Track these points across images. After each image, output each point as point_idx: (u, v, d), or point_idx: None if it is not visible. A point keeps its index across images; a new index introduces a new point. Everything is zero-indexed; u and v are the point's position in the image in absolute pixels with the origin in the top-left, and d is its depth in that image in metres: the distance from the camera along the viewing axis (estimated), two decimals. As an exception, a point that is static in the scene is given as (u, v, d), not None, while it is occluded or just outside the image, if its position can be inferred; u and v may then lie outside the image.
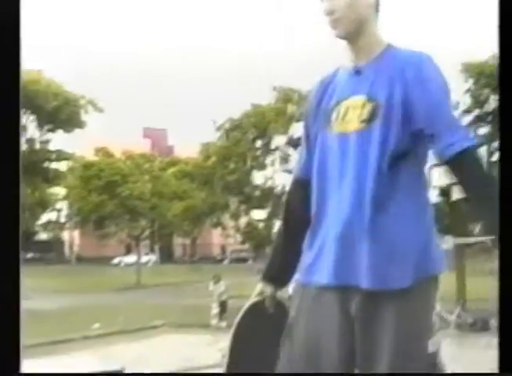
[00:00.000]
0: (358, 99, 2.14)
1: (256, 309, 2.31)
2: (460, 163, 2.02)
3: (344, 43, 2.20)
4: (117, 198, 32.81)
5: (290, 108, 30.52)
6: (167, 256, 57.56)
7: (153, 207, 33.00)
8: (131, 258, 44.96)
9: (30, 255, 55.35)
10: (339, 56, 2.27)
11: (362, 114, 2.11)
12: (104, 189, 33.04)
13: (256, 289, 2.35)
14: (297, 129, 28.17)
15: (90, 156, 36.81)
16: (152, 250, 55.45)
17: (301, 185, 2.31)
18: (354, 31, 2.15)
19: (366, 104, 2.12)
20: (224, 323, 14.40)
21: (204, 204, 32.43)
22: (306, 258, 2.21)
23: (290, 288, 2.34)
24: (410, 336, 2.04)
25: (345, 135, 2.13)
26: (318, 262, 2.15)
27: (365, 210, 2.05)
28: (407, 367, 2.03)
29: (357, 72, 2.18)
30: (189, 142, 43.60)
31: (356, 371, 2.12)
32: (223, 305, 15.88)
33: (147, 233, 37.05)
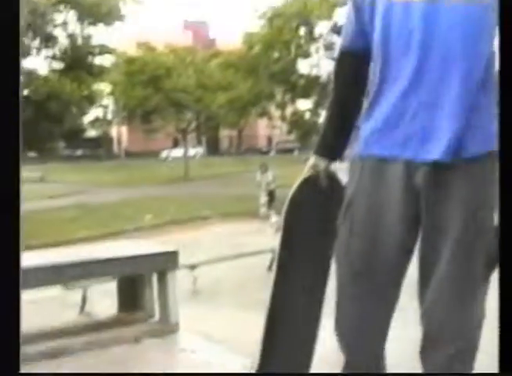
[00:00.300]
0: None
1: (309, 183, 2.24)
2: None
3: None
4: (161, 92, 32.74)
5: (334, -6, 29.55)
6: (213, 149, 57.97)
7: (198, 100, 32.86)
8: (178, 152, 45.42)
9: (79, 152, 56.47)
10: None
11: None
12: (148, 84, 32.96)
13: (309, 163, 2.27)
14: (341, 16, 27.35)
15: (132, 51, 36.54)
16: (199, 143, 55.84)
17: (351, 55, 2.19)
18: None
19: None
20: (272, 212, 14.61)
21: (249, 93, 32.13)
22: (365, 129, 2.10)
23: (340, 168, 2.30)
24: (479, 207, 1.97)
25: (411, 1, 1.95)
26: (380, 132, 2.05)
27: (444, 80, 1.94)
28: (474, 239, 1.98)
29: None
30: (231, 34, 42.86)
31: (418, 245, 2.08)
32: (271, 194, 16.06)
33: (193, 125, 37.13)
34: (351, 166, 2.16)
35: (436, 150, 1.94)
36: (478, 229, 1.98)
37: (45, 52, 48.85)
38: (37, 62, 48.00)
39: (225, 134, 58.09)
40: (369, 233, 2.08)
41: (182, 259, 3.86)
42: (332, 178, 2.27)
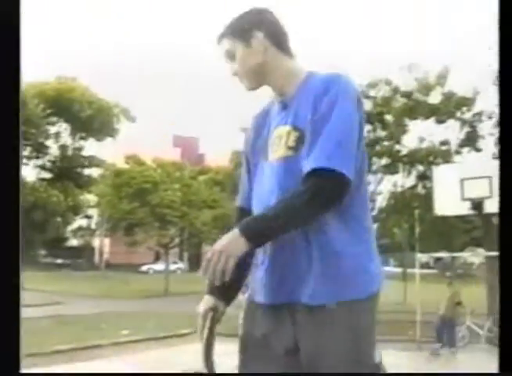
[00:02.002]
0: (285, 128, 2.26)
1: (213, 321, 2.44)
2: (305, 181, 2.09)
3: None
4: (147, 206, 32.97)
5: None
6: (195, 264, 57.68)
7: (182, 216, 33.07)
8: (159, 266, 45.15)
9: (60, 261, 55.93)
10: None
11: (289, 142, 2.22)
12: (135, 197, 33.22)
13: (207, 303, 2.45)
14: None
15: (121, 163, 37.07)
16: (181, 258, 55.62)
17: (244, 213, 2.45)
18: (259, 80, 2.33)
19: (291, 133, 2.23)
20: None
21: (234, 212, 32.36)
22: (253, 276, 2.40)
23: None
24: (348, 348, 2.13)
25: (274, 161, 2.27)
26: (261, 280, 2.32)
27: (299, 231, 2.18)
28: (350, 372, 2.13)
29: (284, 106, 2.30)
30: (220, 150, 43.78)
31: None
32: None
33: (176, 241, 37.14)
34: (244, 307, 2.45)
35: (306, 296, 2.17)
36: (354, 366, 2.12)
37: (34, 162, 49.58)
38: (26, 170, 48.35)
39: (208, 250, 57.97)
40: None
41: None
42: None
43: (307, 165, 2.08)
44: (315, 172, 2.05)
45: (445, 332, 12.90)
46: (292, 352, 2.23)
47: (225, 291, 2.39)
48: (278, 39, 2.32)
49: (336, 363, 2.11)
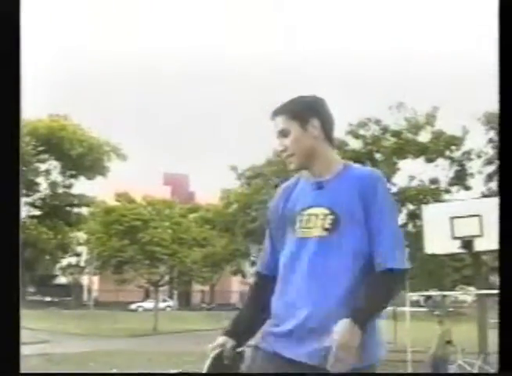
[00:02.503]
0: (321, 210, 2.45)
1: (219, 359, 2.49)
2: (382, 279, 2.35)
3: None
4: (137, 244, 32.87)
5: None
6: (185, 302, 57.26)
7: (172, 254, 32.96)
8: (149, 304, 44.79)
9: (48, 299, 55.36)
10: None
11: (325, 224, 2.42)
12: (125, 235, 33.12)
13: (217, 340, 2.53)
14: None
15: (111, 201, 37.04)
16: (170, 296, 55.20)
17: (264, 279, 2.61)
18: (306, 162, 2.50)
19: (328, 216, 2.43)
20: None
21: (224, 251, 32.32)
22: (266, 327, 2.51)
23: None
24: None
25: (307, 240, 2.43)
26: (280, 333, 2.42)
27: (326, 306, 2.34)
28: None
29: (319, 187, 2.49)
30: (211, 188, 43.79)
31: None
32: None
33: (166, 279, 36.93)
34: (251, 353, 2.53)
35: (310, 358, 2.32)
36: None
37: (24, 199, 49.33)
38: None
39: (198, 288, 57.64)
40: None
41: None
42: (238, 355, 2.53)
43: (384, 264, 2.35)
44: (392, 270, 2.34)
45: (436, 371, 12.83)
46: None
47: (241, 333, 2.56)
48: (328, 131, 2.53)
49: None
